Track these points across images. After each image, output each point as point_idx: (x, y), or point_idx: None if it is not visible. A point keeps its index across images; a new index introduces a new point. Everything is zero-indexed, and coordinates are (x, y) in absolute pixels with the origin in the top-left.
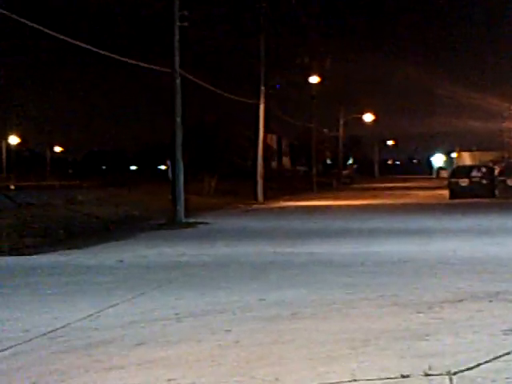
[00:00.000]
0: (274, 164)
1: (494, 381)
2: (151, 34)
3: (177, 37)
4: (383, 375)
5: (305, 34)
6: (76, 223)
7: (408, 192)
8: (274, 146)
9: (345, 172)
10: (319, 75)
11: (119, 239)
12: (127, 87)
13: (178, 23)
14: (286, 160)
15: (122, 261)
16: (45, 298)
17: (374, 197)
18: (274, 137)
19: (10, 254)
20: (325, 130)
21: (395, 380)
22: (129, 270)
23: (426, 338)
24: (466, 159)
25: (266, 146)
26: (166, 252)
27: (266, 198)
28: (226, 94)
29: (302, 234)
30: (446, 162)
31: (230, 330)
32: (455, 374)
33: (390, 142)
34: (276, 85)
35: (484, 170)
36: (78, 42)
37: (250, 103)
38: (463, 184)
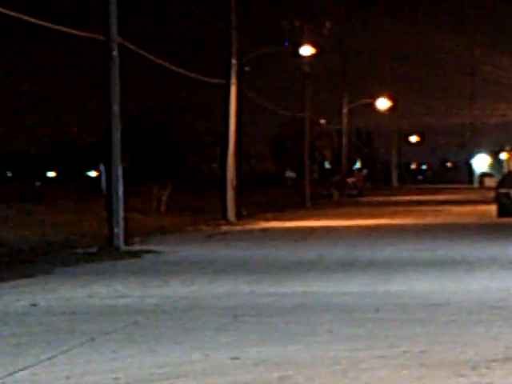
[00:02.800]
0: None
1: None
2: None
3: None
4: None
5: None
6: None
7: (439, 208)
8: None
9: (350, 180)
10: (314, 45)
11: (33, 275)
12: (42, 66)
13: None
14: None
15: (36, 305)
16: None
17: (392, 215)
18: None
19: None
20: (321, 121)
21: None
22: (46, 319)
23: None
24: None
25: (240, 143)
26: (98, 293)
27: (241, 216)
28: (181, 71)
29: (291, 267)
30: (491, 165)
31: None
32: None
33: (413, 139)
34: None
35: None
36: None
37: (217, 85)
38: None
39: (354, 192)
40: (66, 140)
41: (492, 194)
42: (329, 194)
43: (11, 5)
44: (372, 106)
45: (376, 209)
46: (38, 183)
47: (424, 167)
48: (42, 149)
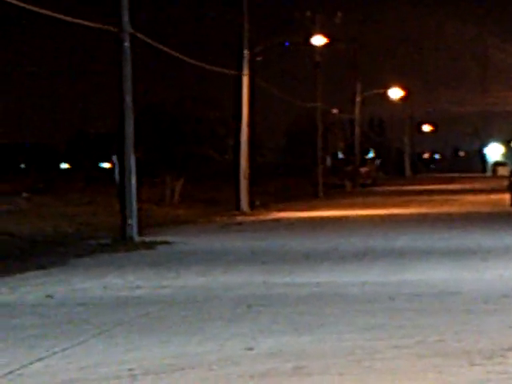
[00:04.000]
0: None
1: None
2: None
3: None
4: None
5: None
6: None
7: (452, 197)
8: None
9: (363, 169)
10: (326, 35)
11: (47, 267)
12: (53, 57)
13: None
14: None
15: (51, 296)
16: None
17: (406, 204)
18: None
19: None
20: (333, 111)
21: None
22: (61, 310)
23: None
24: None
25: (253, 134)
26: (112, 284)
27: (254, 206)
28: (193, 62)
29: (305, 258)
30: (505, 154)
31: None
32: None
33: (426, 128)
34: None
35: None
36: None
37: (229, 75)
38: None
39: (368, 182)
40: (79, 131)
41: (505, 183)
42: (342, 183)
43: None
44: (384, 95)
45: (389, 198)
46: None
47: (437, 157)
48: (56, 140)
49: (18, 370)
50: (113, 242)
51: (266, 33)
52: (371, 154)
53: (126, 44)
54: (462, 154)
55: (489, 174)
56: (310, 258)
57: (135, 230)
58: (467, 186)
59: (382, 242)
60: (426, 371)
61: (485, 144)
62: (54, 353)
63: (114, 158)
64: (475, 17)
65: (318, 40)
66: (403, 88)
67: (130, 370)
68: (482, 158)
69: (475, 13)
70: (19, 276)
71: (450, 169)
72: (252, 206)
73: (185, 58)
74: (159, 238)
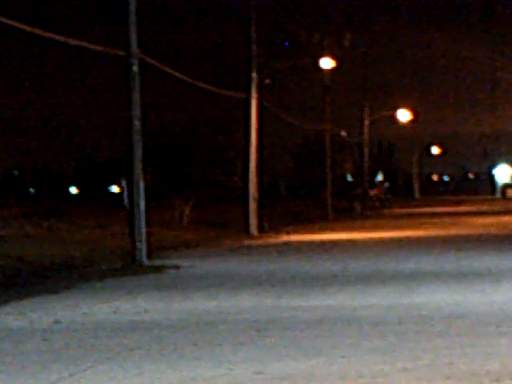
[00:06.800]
0: None
1: None
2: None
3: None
4: None
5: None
6: None
7: (462, 219)
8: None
9: (372, 192)
10: (335, 58)
11: (56, 291)
12: (62, 82)
13: None
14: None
15: (59, 322)
16: None
17: (415, 226)
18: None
19: None
20: (342, 133)
21: None
22: (69, 335)
23: None
24: None
25: (262, 157)
26: (121, 308)
27: (263, 230)
28: (201, 85)
29: (315, 281)
30: None
31: None
32: None
33: (435, 150)
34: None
35: None
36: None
37: (236, 98)
38: None
39: (377, 204)
40: (87, 156)
41: None
42: (351, 206)
43: (31, 21)
44: (393, 117)
45: (398, 221)
46: None
47: (446, 179)
48: (66, 166)
49: None
50: (122, 266)
51: (274, 55)
52: (380, 177)
53: (135, 68)
54: (471, 175)
55: (498, 195)
56: (320, 281)
57: (144, 253)
58: (476, 208)
59: (390, 264)
60: None
61: (494, 165)
62: (63, 378)
63: (123, 181)
64: (484, 38)
65: (327, 63)
66: (412, 110)
67: None
68: (491, 179)
69: (484, 34)
70: (28, 300)
71: (459, 191)
72: (261, 228)
73: (193, 81)
74: (168, 262)
